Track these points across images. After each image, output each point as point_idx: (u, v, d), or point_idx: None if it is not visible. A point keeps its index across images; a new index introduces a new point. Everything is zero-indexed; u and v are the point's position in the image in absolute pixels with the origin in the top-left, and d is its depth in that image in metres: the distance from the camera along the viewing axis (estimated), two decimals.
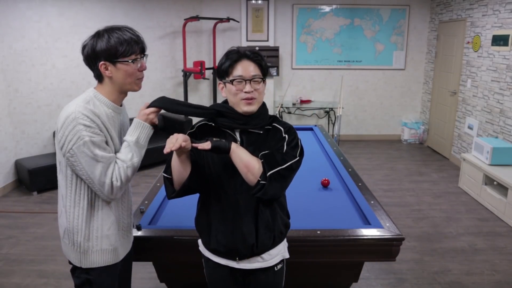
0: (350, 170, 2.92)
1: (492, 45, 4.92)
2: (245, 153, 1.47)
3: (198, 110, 1.56)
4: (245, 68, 1.51)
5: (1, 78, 4.69)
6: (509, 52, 4.60)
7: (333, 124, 6.95)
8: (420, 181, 5.13)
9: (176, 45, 6.44)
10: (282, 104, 6.54)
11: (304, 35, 6.85)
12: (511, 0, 4.57)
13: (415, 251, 3.39)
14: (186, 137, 1.38)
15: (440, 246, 3.50)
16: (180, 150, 1.40)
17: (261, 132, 1.58)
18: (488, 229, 3.83)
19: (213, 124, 1.60)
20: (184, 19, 6.02)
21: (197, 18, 5.97)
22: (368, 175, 5.26)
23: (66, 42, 5.15)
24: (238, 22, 6.59)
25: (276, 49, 6.55)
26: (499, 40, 4.76)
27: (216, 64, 1.62)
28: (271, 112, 1.66)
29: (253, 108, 1.52)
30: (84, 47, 1.53)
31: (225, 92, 1.56)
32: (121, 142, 1.62)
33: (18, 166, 4.83)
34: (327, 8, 6.73)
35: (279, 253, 1.65)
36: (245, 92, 1.50)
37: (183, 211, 2.21)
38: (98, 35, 1.51)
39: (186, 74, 6.17)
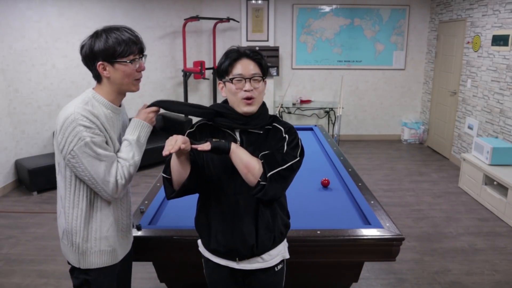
0: (350, 170, 2.92)
1: (492, 45, 4.92)
2: (245, 153, 1.46)
3: (197, 109, 1.56)
4: (245, 67, 1.50)
5: (1, 78, 4.69)
6: (509, 52, 4.60)
7: (333, 124, 6.95)
8: (420, 181, 5.13)
9: (176, 45, 6.44)
10: (282, 104, 6.54)
11: (304, 35, 6.85)
12: (511, 0, 4.57)
13: (415, 251, 3.39)
14: (186, 138, 1.37)
15: (440, 246, 3.50)
16: (180, 152, 1.40)
17: (261, 132, 1.57)
18: (488, 229, 3.83)
19: (212, 124, 1.59)
20: (184, 19, 6.02)
21: (197, 18, 5.97)
22: (368, 175, 5.26)
23: (66, 42, 5.15)
24: (238, 22, 6.59)
25: (276, 49, 6.55)
26: (499, 40, 4.76)
27: (216, 64, 1.62)
28: (271, 112, 1.65)
29: (252, 108, 1.52)
30: (82, 47, 1.53)
31: (225, 92, 1.56)
32: (120, 143, 1.61)
33: (18, 166, 4.83)
34: (327, 8, 6.73)
35: (279, 254, 1.64)
36: (245, 91, 1.49)
37: (183, 211, 2.21)
38: (96, 35, 1.50)
39: (186, 74, 6.18)
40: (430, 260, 3.27)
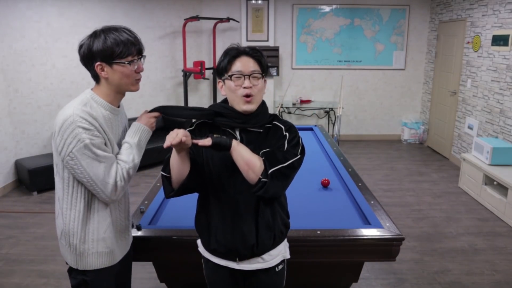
0: (350, 170, 2.92)
1: (492, 45, 4.92)
2: (246, 150, 1.45)
3: (197, 112, 1.56)
4: (244, 64, 1.50)
5: (1, 78, 4.69)
6: (509, 52, 4.60)
7: (333, 124, 6.95)
8: (420, 181, 5.13)
9: (176, 45, 6.44)
10: (282, 104, 6.54)
11: (304, 35, 6.85)
12: (511, 0, 4.57)
13: (415, 251, 3.39)
14: (187, 132, 1.37)
15: (440, 246, 3.50)
16: (180, 147, 1.39)
17: (261, 130, 1.56)
18: (488, 229, 3.83)
19: (212, 122, 1.58)
20: (184, 19, 6.02)
21: (197, 18, 5.97)
22: (368, 175, 5.26)
23: (66, 42, 5.15)
24: (238, 22, 6.59)
25: (276, 49, 6.55)
26: (499, 40, 4.76)
27: (216, 64, 1.61)
28: (271, 112, 1.65)
29: (252, 106, 1.51)
30: (80, 47, 1.52)
31: (225, 90, 1.55)
32: (119, 144, 1.61)
33: (18, 166, 4.83)
34: (327, 8, 6.73)
35: (279, 254, 1.63)
36: (244, 88, 1.48)
37: (183, 211, 2.21)
38: (95, 35, 1.50)
39: (186, 74, 6.17)
40: (430, 260, 3.27)
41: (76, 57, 1.56)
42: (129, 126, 1.67)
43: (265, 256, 1.59)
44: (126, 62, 1.50)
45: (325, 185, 2.66)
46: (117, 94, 1.58)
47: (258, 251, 1.56)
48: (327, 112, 7.08)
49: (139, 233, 1.97)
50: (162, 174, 1.56)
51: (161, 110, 1.62)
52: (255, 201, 1.53)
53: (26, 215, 4.14)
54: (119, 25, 1.56)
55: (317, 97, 7.06)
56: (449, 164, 5.86)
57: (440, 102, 6.39)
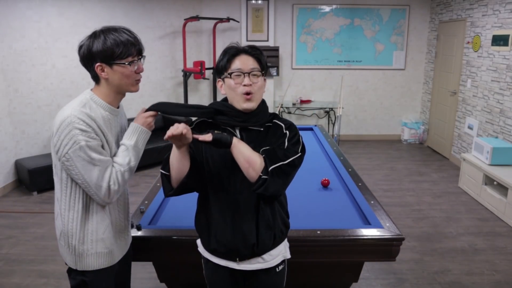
0: (350, 170, 2.92)
1: (492, 45, 4.92)
2: (246, 148, 1.45)
3: (196, 110, 1.54)
4: (244, 62, 1.49)
5: (1, 78, 4.69)
6: (509, 52, 4.60)
7: (333, 124, 6.95)
8: (420, 181, 5.13)
9: (176, 45, 6.44)
10: (282, 104, 6.54)
11: (304, 35, 6.85)
12: (511, 0, 4.57)
13: (415, 251, 3.39)
14: (187, 126, 1.37)
15: (440, 246, 3.50)
16: (181, 142, 1.39)
17: (262, 129, 1.56)
18: (488, 229, 3.83)
19: (212, 121, 1.57)
20: (184, 19, 6.02)
21: (197, 18, 5.97)
22: (368, 175, 5.26)
23: (66, 42, 5.15)
24: (238, 22, 6.59)
25: (276, 49, 6.55)
26: (499, 40, 4.76)
27: (216, 64, 1.60)
28: (270, 112, 1.64)
29: (252, 104, 1.50)
30: (80, 47, 1.51)
31: (224, 89, 1.55)
32: (118, 145, 1.60)
33: (18, 166, 4.83)
34: (327, 8, 6.73)
35: (280, 254, 1.63)
36: (244, 86, 1.47)
37: (183, 211, 2.21)
38: (94, 35, 1.49)
39: (186, 74, 6.17)
40: (430, 260, 3.27)
41: (76, 57, 1.55)
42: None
43: (265, 256, 1.58)
44: (126, 63, 1.50)
45: (325, 185, 2.66)
46: (117, 95, 1.58)
47: (258, 251, 1.56)
48: (327, 112, 7.08)
49: (139, 233, 1.97)
50: (161, 173, 1.54)
51: (160, 108, 1.57)
52: (255, 200, 1.52)
53: (26, 215, 4.14)
54: (118, 25, 1.55)
55: (317, 97, 7.06)
56: (449, 164, 5.86)
57: (440, 102, 6.39)
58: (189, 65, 6.29)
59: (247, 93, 1.48)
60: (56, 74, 5.16)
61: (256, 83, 1.50)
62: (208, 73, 6.65)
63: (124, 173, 1.54)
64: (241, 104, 1.50)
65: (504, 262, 3.25)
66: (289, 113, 7.02)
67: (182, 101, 6.49)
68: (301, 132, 1.61)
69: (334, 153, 3.34)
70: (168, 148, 1.51)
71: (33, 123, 5.05)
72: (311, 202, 2.45)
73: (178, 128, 1.32)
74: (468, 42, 5.51)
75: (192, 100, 6.70)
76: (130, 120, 1.65)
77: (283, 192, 1.55)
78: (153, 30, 6.15)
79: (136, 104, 5.83)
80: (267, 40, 6.69)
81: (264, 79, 1.55)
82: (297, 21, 6.78)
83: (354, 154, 6.23)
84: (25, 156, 4.98)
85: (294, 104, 6.79)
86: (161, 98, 6.38)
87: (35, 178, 4.60)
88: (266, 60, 1.58)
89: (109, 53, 1.47)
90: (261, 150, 1.47)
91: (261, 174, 1.42)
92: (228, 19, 6.34)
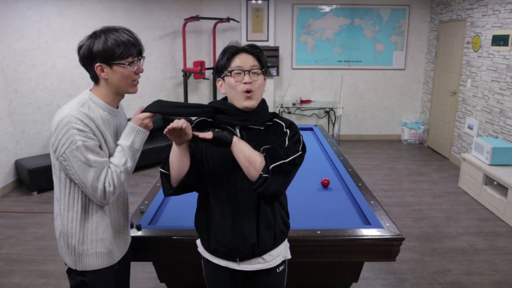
0: (350, 170, 2.92)
1: (492, 45, 4.92)
2: (247, 146, 1.44)
3: (196, 109, 1.52)
4: (243, 60, 1.49)
5: (1, 78, 4.69)
6: (509, 52, 4.60)
7: (333, 124, 6.95)
8: (420, 181, 5.13)
9: (176, 45, 6.44)
10: (282, 104, 6.54)
11: (304, 35, 6.85)
12: (511, 0, 4.57)
13: (415, 251, 3.39)
14: (188, 123, 1.36)
15: (440, 246, 3.50)
16: (181, 139, 1.38)
17: (262, 128, 1.55)
18: (488, 229, 3.83)
19: (212, 121, 1.56)
20: (184, 19, 6.02)
21: (197, 18, 5.97)
22: (368, 175, 5.26)
23: (66, 42, 5.15)
24: (238, 22, 6.59)
25: (276, 49, 6.55)
26: (499, 40, 4.76)
27: (215, 63, 1.59)
28: (270, 111, 1.64)
29: (252, 103, 1.49)
30: (80, 48, 1.51)
31: (224, 88, 1.54)
32: (117, 145, 1.59)
33: (18, 166, 4.83)
34: (327, 8, 6.73)
35: (280, 254, 1.62)
36: (245, 83, 1.47)
37: (183, 211, 2.21)
38: (95, 35, 1.49)
39: (186, 74, 6.17)
40: (430, 260, 3.27)
41: (76, 57, 1.55)
42: None
43: (265, 256, 1.57)
44: (127, 63, 1.49)
45: (325, 185, 2.66)
46: (115, 96, 1.57)
47: (259, 251, 1.55)
48: (327, 112, 7.08)
49: (139, 233, 1.97)
50: (161, 171, 1.53)
51: (158, 109, 1.50)
52: (256, 199, 1.51)
53: (26, 215, 4.14)
54: (118, 25, 1.55)
55: (317, 97, 7.06)
56: (449, 164, 5.86)
57: (440, 102, 6.39)
58: (189, 65, 6.29)
59: (248, 91, 1.48)
60: (56, 74, 5.16)
61: (256, 81, 1.50)
62: (208, 73, 6.65)
63: (120, 174, 1.52)
64: (241, 102, 1.49)
65: (504, 262, 3.25)
66: (289, 113, 7.02)
67: (182, 101, 6.49)
68: (301, 132, 1.60)
69: (334, 153, 3.34)
70: (168, 148, 1.50)
71: (33, 123, 5.05)
72: (311, 202, 2.45)
73: (178, 123, 1.32)
74: (468, 42, 5.51)
75: (192, 100, 6.70)
76: (129, 120, 1.65)
77: (283, 191, 1.54)
78: (153, 30, 6.14)
79: (136, 104, 5.82)
80: (267, 40, 6.69)
81: (264, 79, 1.55)
82: (297, 21, 6.78)
83: (354, 154, 6.23)
84: (25, 156, 4.98)
85: (294, 104, 6.78)
86: (161, 98, 6.34)
87: (35, 178, 4.60)
88: (266, 59, 1.57)
89: (109, 53, 1.46)
90: (261, 149, 1.47)
91: (261, 173, 1.41)
92: (228, 19, 6.34)
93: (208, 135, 1.39)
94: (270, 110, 1.64)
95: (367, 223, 2.11)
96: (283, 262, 1.66)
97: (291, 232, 1.78)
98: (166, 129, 1.33)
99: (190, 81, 6.56)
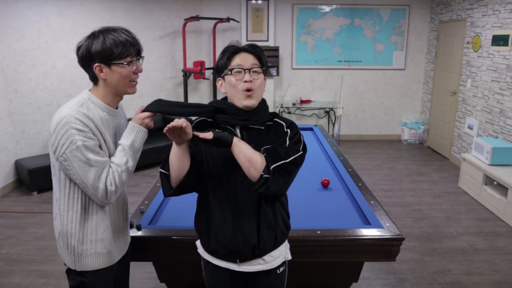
0: (350, 170, 2.92)
1: (492, 45, 4.92)
2: (247, 147, 1.43)
3: (196, 109, 1.52)
4: (244, 59, 1.49)
5: (1, 78, 4.69)
6: (509, 52, 4.60)
7: (333, 124, 6.95)
8: (420, 181, 5.13)
9: (176, 45, 6.44)
10: (282, 104, 6.54)
11: (304, 35, 6.85)
12: (511, 0, 4.57)
13: (415, 251, 3.39)
14: (188, 122, 1.35)
15: (440, 246, 3.50)
16: (181, 139, 1.37)
17: (262, 128, 1.54)
18: (488, 229, 3.83)
19: (212, 121, 1.56)
20: (184, 19, 6.02)
21: (197, 18, 5.97)
22: (368, 175, 5.26)
23: (66, 42, 5.15)
24: (238, 22, 6.59)
25: (276, 49, 6.55)
26: (499, 40, 4.76)
27: (215, 63, 1.59)
28: (271, 111, 1.63)
29: (253, 102, 1.49)
30: (79, 48, 1.51)
31: (224, 87, 1.53)
32: (116, 145, 1.59)
33: (18, 166, 4.83)
34: (327, 8, 6.73)
35: (280, 255, 1.61)
36: (245, 82, 1.46)
37: (183, 211, 2.21)
38: (93, 36, 1.49)
39: (186, 74, 6.17)
40: (430, 260, 3.27)
41: (76, 57, 1.55)
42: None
43: (266, 257, 1.56)
44: (125, 63, 1.49)
45: (325, 185, 2.66)
46: (114, 96, 1.57)
47: (259, 252, 1.54)
48: (327, 112, 7.08)
49: (139, 233, 1.97)
50: (160, 172, 1.52)
51: (159, 109, 1.51)
52: (257, 200, 1.50)
53: (26, 215, 4.14)
54: (117, 26, 1.55)
55: (317, 97, 7.06)
56: (449, 164, 5.86)
57: (440, 102, 6.39)
58: (189, 65, 6.29)
59: (248, 90, 1.47)
60: (56, 74, 5.16)
61: (257, 80, 1.49)
62: (208, 73, 6.65)
63: (122, 174, 1.52)
64: (241, 101, 1.48)
65: (504, 262, 3.25)
66: (289, 113, 7.02)
67: (182, 101, 6.48)
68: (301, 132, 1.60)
69: (334, 153, 3.34)
70: (168, 148, 1.50)
71: (33, 123, 5.05)
72: (311, 202, 2.45)
73: (178, 122, 1.32)
74: (468, 42, 5.51)
75: (192, 100, 6.70)
76: (129, 120, 1.65)
77: (284, 192, 1.52)
78: (153, 30, 6.14)
79: (136, 104, 5.81)
80: (267, 40, 6.69)
81: (264, 78, 1.54)
82: (297, 21, 6.78)
83: (354, 154, 6.23)
84: (25, 156, 4.98)
85: (294, 104, 6.79)
86: (161, 98, 6.36)
87: (35, 178, 4.60)
88: (266, 59, 1.57)
89: (108, 53, 1.46)
90: (262, 149, 1.46)
91: (262, 173, 1.39)
92: (228, 19, 6.34)
93: (209, 135, 1.38)
94: (270, 110, 1.64)
95: (367, 223, 2.11)
96: (284, 263, 1.65)
97: (291, 232, 1.78)
98: (166, 128, 1.32)
99: (190, 81, 6.56)
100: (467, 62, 5.56)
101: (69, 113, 1.44)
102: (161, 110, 1.51)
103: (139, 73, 1.58)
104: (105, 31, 1.49)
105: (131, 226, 1.99)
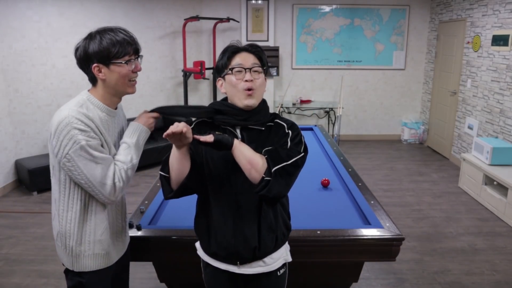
0: (350, 170, 2.92)
1: (492, 45, 4.92)
2: (248, 149, 1.41)
3: (196, 110, 1.53)
4: (244, 58, 1.48)
5: (1, 78, 4.69)
6: (509, 52, 4.60)
7: (333, 124, 6.95)
8: (420, 181, 5.13)
9: (176, 45, 6.44)
10: (282, 104, 6.54)
11: (304, 35, 6.85)
12: (511, 0, 4.57)
13: (415, 251, 3.39)
14: (188, 125, 1.34)
15: (440, 246, 3.50)
16: (181, 142, 1.36)
17: (263, 128, 1.53)
18: (488, 229, 3.83)
19: (212, 121, 1.55)
20: (184, 19, 6.02)
21: (197, 18, 5.97)
22: (368, 175, 5.26)
23: (66, 42, 5.15)
24: (238, 22, 6.59)
25: (276, 49, 6.55)
26: (499, 40, 4.76)
27: (215, 63, 1.60)
28: (271, 111, 1.63)
29: (253, 101, 1.48)
30: (76, 50, 1.51)
31: (225, 87, 1.52)
32: (115, 146, 1.60)
33: (18, 166, 4.83)
34: (327, 8, 6.73)
35: (281, 257, 1.60)
36: (246, 81, 1.45)
37: (183, 211, 2.21)
38: (90, 37, 1.49)
39: (186, 74, 6.17)
40: (430, 260, 3.27)
41: None
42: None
43: (266, 259, 1.55)
44: (123, 62, 1.49)
45: (325, 185, 2.66)
46: (113, 97, 1.57)
47: (260, 254, 1.53)
48: (327, 112, 7.08)
49: (139, 233, 1.97)
50: (160, 174, 1.51)
51: (161, 110, 1.60)
52: (257, 201, 1.49)
53: (26, 215, 4.14)
54: (114, 25, 1.55)
55: (317, 97, 7.06)
56: (449, 164, 5.86)
57: (440, 102, 6.39)
58: (189, 65, 6.29)
59: (249, 89, 1.46)
60: (56, 74, 5.16)
61: (257, 80, 1.48)
62: (208, 73, 6.65)
63: (128, 171, 1.54)
64: (242, 101, 1.47)
65: (504, 262, 3.25)
66: (289, 113, 7.02)
67: (182, 101, 6.49)
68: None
69: (334, 153, 3.34)
70: (168, 148, 1.49)
71: (33, 123, 5.05)
72: (311, 202, 2.45)
73: (178, 126, 1.31)
74: (468, 42, 5.51)
75: (192, 100, 6.70)
76: (130, 120, 1.65)
77: (286, 193, 1.51)
78: (153, 30, 6.14)
79: (136, 104, 5.82)
80: (267, 40, 6.69)
81: (265, 78, 1.53)
82: (297, 21, 6.79)
83: (354, 154, 6.23)
84: (25, 156, 4.98)
85: (294, 104, 6.79)
86: (161, 98, 6.38)
87: (35, 178, 4.60)
88: (267, 58, 1.56)
89: (105, 53, 1.46)
90: (263, 151, 1.45)
91: (264, 175, 1.38)
92: (228, 19, 6.34)
93: (209, 138, 1.36)
94: (270, 110, 1.63)
95: (367, 223, 2.11)
96: (284, 265, 1.64)
97: (291, 233, 1.78)
98: (165, 133, 1.31)
99: (190, 81, 6.56)
100: (467, 62, 5.56)
101: (70, 114, 1.44)
102: (163, 111, 1.59)
103: (138, 72, 1.58)
104: (102, 31, 1.49)
105: (131, 226, 1.99)
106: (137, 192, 4.38)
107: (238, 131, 1.53)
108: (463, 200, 4.52)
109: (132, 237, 1.90)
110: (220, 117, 1.52)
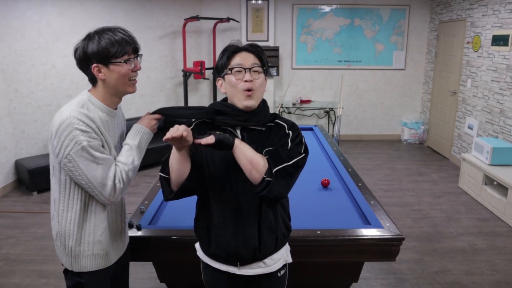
0: (350, 170, 2.92)
1: (492, 45, 4.92)
2: (249, 149, 1.40)
3: (196, 111, 1.53)
4: (244, 58, 1.47)
5: (1, 78, 4.69)
6: (509, 52, 4.60)
7: (333, 124, 6.95)
8: (420, 181, 5.13)
9: (176, 45, 6.44)
10: (282, 104, 6.54)
11: (304, 35, 6.85)
12: (511, 0, 4.57)
13: (415, 251, 3.39)
14: (188, 128, 1.33)
15: (440, 246, 3.50)
16: (181, 144, 1.35)
17: (263, 129, 1.53)
18: (488, 229, 3.83)
19: (211, 122, 1.55)
20: (184, 19, 6.02)
21: (197, 18, 5.97)
22: (368, 175, 5.26)
23: (66, 42, 5.15)
24: (238, 22, 6.59)
25: (276, 49, 6.55)
26: (499, 40, 4.76)
27: (215, 63, 1.59)
28: (271, 111, 1.62)
29: (253, 102, 1.47)
30: (75, 51, 1.51)
31: (224, 87, 1.52)
32: (115, 146, 1.60)
33: (18, 166, 4.83)
34: (327, 8, 6.73)
35: (281, 258, 1.59)
36: (245, 81, 1.44)
37: (183, 212, 2.21)
38: (89, 37, 1.49)
39: (186, 74, 6.17)
40: (430, 260, 3.27)
41: None
42: (128, 127, 1.66)
43: (266, 260, 1.55)
44: (123, 61, 1.49)
45: (325, 185, 2.66)
46: (113, 97, 1.57)
47: (260, 255, 1.52)
48: (327, 112, 7.08)
49: (139, 233, 1.97)
50: (160, 176, 1.50)
51: (163, 112, 1.61)
52: (258, 202, 1.49)
53: (26, 215, 4.14)
54: (113, 25, 1.55)
55: (317, 97, 7.06)
56: (449, 164, 5.86)
57: (440, 102, 6.39)
58: (189, 65, 6.29)
59: (248, 89, 1.45)
60: (56, 74, 5.16)
61: (257, 80, 1.48)
62: (208, 73, 6.65)
63: (129, 172, 1.54)
64: (242, 101, 1.47)
65: (504, 262, 3.25)
66: (289, 113, 7.02)
67: (182, 101, 6.49)
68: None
69: (334, 153, 3.34)
70: (168, 149, 1.49)
71: (33, 123, 5.05)
72: (311, 202, 2.45)
73: (178, 130, 1.29)
74: (468, 42, 5.51)
75: (192, 100, 6.70)
76: (131, 120, 1.65)
77: (286, 194, 1.50)
78: (153, 30, 6.14)
79: (136, 104, 5.82)
80: (267, 40, 6.69)
81: (265, 78, 1.53)
82: (297, 21, 6.78)
83: (354, 154, 6.23)
84: (25, 156, 4.98)
85: (294, 104, 6.79)
86: (161, 98, 6.38)
87: (35, 178, 4.60)
88: (267, 58, 1.56)
89: (104, 53, 1.46)
90: (264, 151, 1.44)
91: (264, 176, 1.37)
92: (228, 19, 6.34)
93: (210, 139, 1.35)
94: (270, 110, 1.63)
95: (367, 223, 2.11)
96: (284, 266, 1.63)
97: (291, 233, 1.78)
98: (165, 137, 1.30)
99: (190, 81, 6.56)
100: (467, 62, 5.56)
101: (71, 115, 1.44)
102: (164, 113, 1.60)
103: (138, 72, 1.58)
104: (100, 32, 1.49)
105: (131, 226, 1.99)
106: (137, 192, 4.38)
107: (238, 131, 1.52)
108: (463, 200, 4.52)
109: (132, 237, 1.90)
110: (220, 117, 1.51)
